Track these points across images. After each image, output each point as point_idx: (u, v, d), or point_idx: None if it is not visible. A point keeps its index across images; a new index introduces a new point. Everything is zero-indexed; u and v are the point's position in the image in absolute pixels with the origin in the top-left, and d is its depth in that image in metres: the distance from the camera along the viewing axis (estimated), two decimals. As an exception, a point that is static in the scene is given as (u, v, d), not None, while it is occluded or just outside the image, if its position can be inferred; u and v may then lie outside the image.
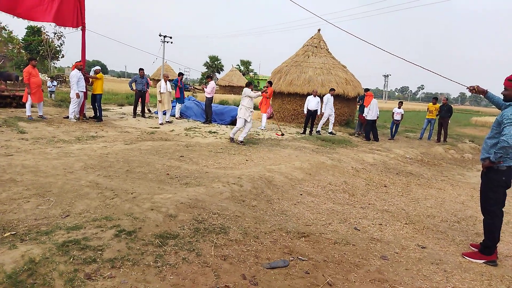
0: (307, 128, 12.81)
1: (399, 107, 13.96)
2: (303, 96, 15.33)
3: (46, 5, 9.93)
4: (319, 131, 13.00)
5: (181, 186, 5.21)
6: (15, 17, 9.59)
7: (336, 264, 3.44)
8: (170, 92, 12.32)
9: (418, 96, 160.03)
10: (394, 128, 13.78)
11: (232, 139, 9.39)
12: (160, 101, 11.93)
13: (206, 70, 58.63)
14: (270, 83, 13.89)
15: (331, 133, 13.07)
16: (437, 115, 14.10)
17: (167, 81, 12.17)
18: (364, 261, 3.57)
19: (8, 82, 21.22)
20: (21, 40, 39.91)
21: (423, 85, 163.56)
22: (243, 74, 55.49)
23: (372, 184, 6.83)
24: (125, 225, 3.52)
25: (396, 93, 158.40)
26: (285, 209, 4.92)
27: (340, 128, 15.07)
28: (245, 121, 9.25)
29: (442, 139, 13.92)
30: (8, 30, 47.39)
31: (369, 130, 12.55)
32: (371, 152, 9.91)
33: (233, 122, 13.49)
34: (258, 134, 11.41)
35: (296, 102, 15.71)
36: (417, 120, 25.22)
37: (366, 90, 13.67)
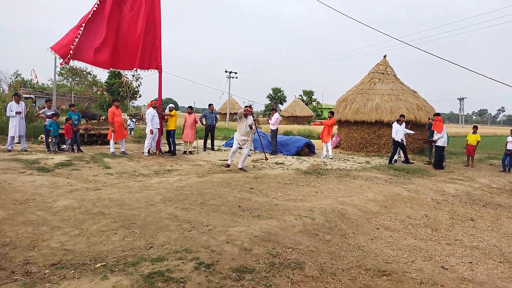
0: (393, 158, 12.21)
1: None
2: (371, 124, 14.92)
3: (133, 55, 11.24)
4: (407, 159, 12.39)
5: (253, 218, 5.25)
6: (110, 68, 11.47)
7: (425, 307, 3.16)
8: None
9: (498, 119, 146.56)
10: (508, 160, 11.99)
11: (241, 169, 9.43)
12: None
13: (270, 102, 59.91)
14: (332, 113, 13.77)
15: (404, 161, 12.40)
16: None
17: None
18: (457, 305, 3.23)
19: (92, 121, 23.68)
20: (104, 83, 44.54)
21: (503, 107, 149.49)
22: (306, 104, 55.71)
23: (457, 218, 6.28)
24: (204, 257, 3.62)
25: (474, 117, 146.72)
26: (362, 245, 4.69)
27: (414, 156, 14.23)
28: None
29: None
30: (93, 74, 53.48)
31: (441, 157, 11.67)
32: (452, 182, 9.17)
33: (298, 153, 13.47)
34: (326, 164, 11.22)
35: (364, 130, 15.29)
36: (500, 145, 22.95)
37: (437, 115, 12.86)
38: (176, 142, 12.51)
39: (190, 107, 13.35)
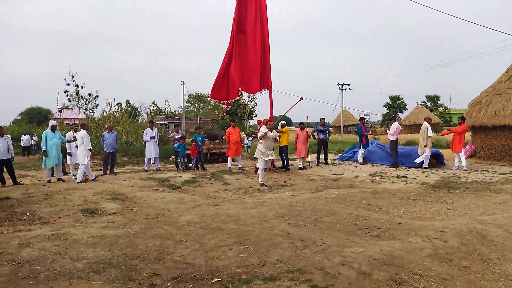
0: None
1: None
2: (514, 128, 12.63)
3: (252, 79, 12.09)
4: None
5: (371, 238, 4.80)
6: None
7: None
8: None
9: None
10: None
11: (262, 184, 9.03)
12: (425, 146, 11.45)
13: (387, 111, 56.39)
14: (462, 118, 12.07)
15: None
16: None
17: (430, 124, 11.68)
18: None
19: (215, 141, 25.73)
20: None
21: None
22: (431, 110, 50.64)
23: None
24: (317, 280, 3.40)
25: None
26: (511, 273, 3.84)
27: None
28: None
29: None
30: (214, 98, 58.60)
31: None
32: None
33: (422, 164, 12.11)
34: (459, 177, 9.80)
35: (506, 136, 13.00)
36: None
37: None
38: (289, 158, 12.57)
39: (302, 123, 13.37)
